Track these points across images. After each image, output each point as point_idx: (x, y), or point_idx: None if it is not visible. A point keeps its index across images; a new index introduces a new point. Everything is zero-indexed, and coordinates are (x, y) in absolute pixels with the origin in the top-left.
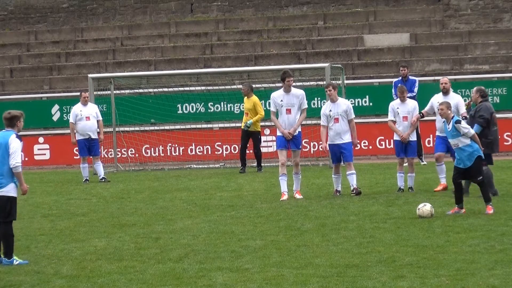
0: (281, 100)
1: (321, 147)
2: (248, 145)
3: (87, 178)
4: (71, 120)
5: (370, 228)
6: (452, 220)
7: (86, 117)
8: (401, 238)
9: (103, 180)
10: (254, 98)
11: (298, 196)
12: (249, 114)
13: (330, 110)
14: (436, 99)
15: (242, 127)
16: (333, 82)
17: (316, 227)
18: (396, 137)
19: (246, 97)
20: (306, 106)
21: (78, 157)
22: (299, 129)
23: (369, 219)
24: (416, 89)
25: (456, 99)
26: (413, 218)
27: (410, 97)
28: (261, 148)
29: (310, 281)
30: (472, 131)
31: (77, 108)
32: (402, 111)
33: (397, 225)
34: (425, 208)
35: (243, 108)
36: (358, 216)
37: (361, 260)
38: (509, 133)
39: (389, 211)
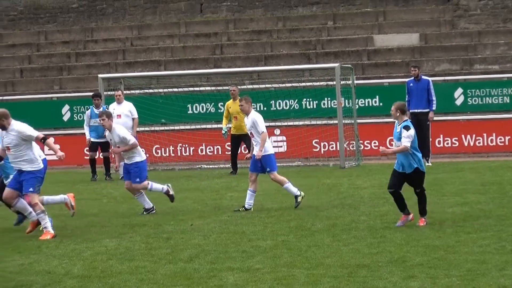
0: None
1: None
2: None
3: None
4: None
5: (381, 228)
6: (462, 221)
7: (118, 115)
8: (412, 238)
9: None
10: None
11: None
12: (238, 118)
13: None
14: None
15: (224, 133)
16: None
17: (326, 227)
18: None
19: (232, 100)
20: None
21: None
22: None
23: (380, 219)
24: (433, 92)
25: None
26: None
27: (430, 103)
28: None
29: (321, 281)
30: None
31: (111, 107)
32: None
33: (407, 225)
34: None
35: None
36: (369, 216)
37: (372, 260)
38: None
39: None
